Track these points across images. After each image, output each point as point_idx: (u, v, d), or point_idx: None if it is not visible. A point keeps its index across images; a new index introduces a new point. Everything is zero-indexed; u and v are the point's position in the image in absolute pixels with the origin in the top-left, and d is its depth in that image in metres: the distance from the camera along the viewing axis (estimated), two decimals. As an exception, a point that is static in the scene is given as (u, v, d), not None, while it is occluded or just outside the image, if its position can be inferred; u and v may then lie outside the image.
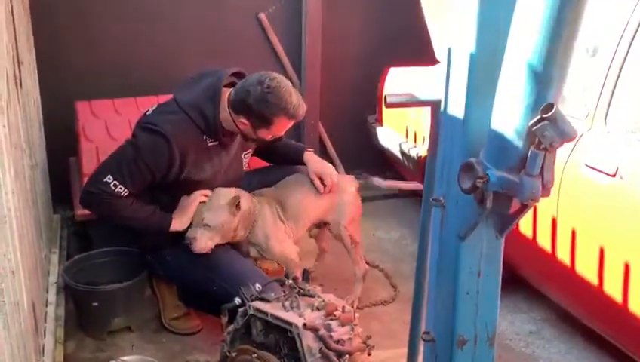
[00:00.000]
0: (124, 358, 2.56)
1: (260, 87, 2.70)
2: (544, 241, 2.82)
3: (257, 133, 2.80)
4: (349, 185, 3.25)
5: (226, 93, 2.80)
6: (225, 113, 2.78)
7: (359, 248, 3.28)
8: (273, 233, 2.97)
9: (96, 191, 2.71)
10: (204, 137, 2.79)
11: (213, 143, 2.83)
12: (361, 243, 3.43)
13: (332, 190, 3.11)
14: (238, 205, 2.81)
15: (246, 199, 2.90)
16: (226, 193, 2.84)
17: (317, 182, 3.08)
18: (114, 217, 2.78)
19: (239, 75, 2.89)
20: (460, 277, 1.58)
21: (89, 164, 3.35)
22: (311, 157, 3.17)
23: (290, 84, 2.80)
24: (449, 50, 1.54)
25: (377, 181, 3.44)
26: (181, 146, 2.70)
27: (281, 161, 3.27)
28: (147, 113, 2.85)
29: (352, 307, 3.12)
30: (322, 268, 3.49)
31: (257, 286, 2.40)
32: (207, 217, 2.76)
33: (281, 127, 2.82)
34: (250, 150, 3.09)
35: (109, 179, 2.68)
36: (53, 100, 3.86)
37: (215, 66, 2.95)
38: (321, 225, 3.29)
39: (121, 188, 2.69)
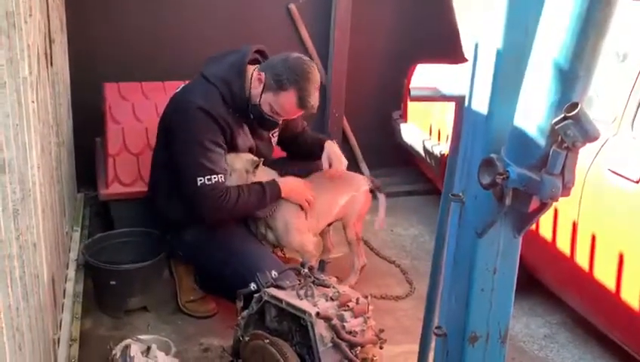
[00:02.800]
0: (140, 337, 2.59)
1: (298, 59, 2.80)
2: (563, 245, 2.80)
3: (263, 96, 2.83)
4: (363, 183, 3.30)
5: (250, 68, 2.87)
6: (247, 85, 2.84)
7: (361, 244, 3.38)
8: (294, 222, 2.99)
9: (204, 200, 2.74)
10: (230, 110, 2.85)
11: (237, 116, 2.89)
12: (379, 239, 3.45)
13: (332, 177, 3.11)
14: (257, 167, 2.90)
15: (268, 175, 2.97)
16: (250, 156, 2.94)
17: (326, 165, 3.09)
18: (238, 209, 2.82)
19: (262, 53, 2.97)
20: (475, 274, 1.58)
21: (114, 145, 3.39)
22: (331, 146, 3.17)
23: (319, 80, 2.86)
24: (475, 46, 1.54)
25: (382, 198, 3.41)
26: (219, 114, 2.78)
27: (301, 151, 3.29)
28: (175, 96, 2.92)
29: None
30: (339, 261, 3.50)
31: (273, 273, 2.41)
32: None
33: (284, 104, 2.83)
34: (277, 129, 3.13)
35: (200, 180, 2.73)
36: (83, 80, 3.89)
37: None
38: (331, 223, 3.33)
39: (215, 177, 2.74)
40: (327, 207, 3.16)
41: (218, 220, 2.85)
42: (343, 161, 3.14)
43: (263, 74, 2.81)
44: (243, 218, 2.97)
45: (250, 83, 2.85)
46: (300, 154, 3.30)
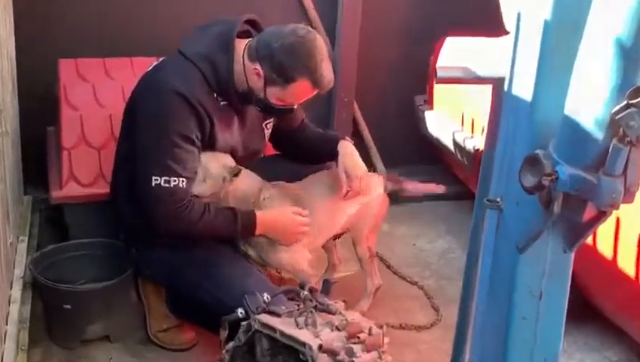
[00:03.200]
0: (100, 373, 2.61)
1: (293, 35, 2.78)
2: (626, 263, 2.80)
3: (267, 90, 2.83)
4: (377, 186, 3.28)
5: (240, 43, 2.87)
6: (238, 65, 2.85)
7: (375, 261, 3.37)
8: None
9: (157, 205, 2.73)
10: (214, 95, 2.86)
11: (224, 103, 2.90)
12: (398, 254, 3.44)
13: (354, 195, 3.10)
14: (236, 175, 2.88)
15: (252, 181, 2.95)
16: (228, 159, 2.92)
17: (343, 178, 3.08)
18: (199, 228, 2.79)
19: (254, 24, 2.97)
20: (516, 298, 1.59)
21: (70, 136, 3.40)
22: (346, 148, 3.15)
23: (326, 48, 2.87)
24: (518, 17, 1.55)
25: (410, 185, 3.40)
26: (198, 101, 2.77)
27: (301, 152, 3.30)
28: (146, 76, 2.93)
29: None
30: (347, 280, 3.50)
31: (265, 296, 2.41)
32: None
33: (297, 93, 2.85)
34: (272, 120, 3.14)
35: (156, 180, 2.72)
36: (32, 55, 3.90)
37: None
38: (338, 235, 3.33)
39: (176, 179, 2.72)
40: (331, 217, 3.15)
41: (172, 233, 2.82)
42: (361, 175, 3.10)
43: (259, 66, 2.80)
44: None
45: (244, 69, 2.84)
46: (300, 156, 3.31)
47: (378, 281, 3.34)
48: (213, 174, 2.85)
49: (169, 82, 2.77)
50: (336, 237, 3.34)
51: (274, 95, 2.85)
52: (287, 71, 2.77)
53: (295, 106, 3.01)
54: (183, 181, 2.74)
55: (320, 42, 2.83)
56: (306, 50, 2.77)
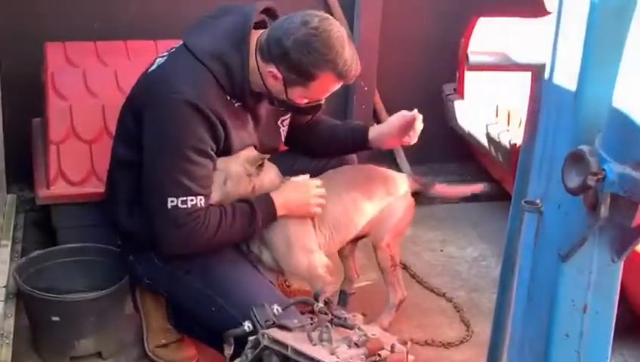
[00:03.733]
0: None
1: (305, 27, 2.74)
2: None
3: (289, 92, 2.83)
4: (401, 186, 3.28)
5: (255, 35, 2.85)
6: (253, 62, 2.83)
7: (399, 270, 3.34)
8: (298, 237, 3.00)
9: (173, 229, 2.73)
10: (228, 97, 2.85)
11: (238, 104, 2.90)
12: (424, 262, 3.40)
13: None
14: (260, 165, 2.88)
15: (275, 174, 2.97)
16: (251, 151, 2.93)
17: (406, 118, 3.21)
18: (216, 240, 2.81)
19: (271, 13, 2.95)
20: (557, 313, 1.58)
21: (59, 129, 3.41)
22: (377, 127, 3.29)
23: (345, 32, 2.85)
24: (561, -5, 1.54)
25: (441, 189, 3.43)
26: (212, 109, 2.76)
27: (323, 145, 3.32)
28: (151, 76, 2.92)
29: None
30: (366, 291, 3.51)
31: (275, 308, 2.41)
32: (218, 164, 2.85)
33: (322, 88, 2.85)
34: (288, 117, 3.15)
35: (172, 201, 2.71)
36: (16, 38, 3.92)
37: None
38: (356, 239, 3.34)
39: (193, 199, 2.72)
40: (348, 216, 3.14)
41: (189, 253, 2.84)
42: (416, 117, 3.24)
43: (274, 69, 2.79)
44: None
45: (259, 68, 2.83)
46: (317, 150, 3.32)
47: (402, 293, 3.32)
48: (233, 173, 2.85)
49: (179, 91, 2.74)
50: (355, 241, 3.33)
51: (297, 95, 2.85)
52: (306, 69, 2.76)
53: (322, 100, 3.00)
54: (201, 200, 2.74)
55: (336, 28, 2.80)
56: (323, 42, 2.74)
